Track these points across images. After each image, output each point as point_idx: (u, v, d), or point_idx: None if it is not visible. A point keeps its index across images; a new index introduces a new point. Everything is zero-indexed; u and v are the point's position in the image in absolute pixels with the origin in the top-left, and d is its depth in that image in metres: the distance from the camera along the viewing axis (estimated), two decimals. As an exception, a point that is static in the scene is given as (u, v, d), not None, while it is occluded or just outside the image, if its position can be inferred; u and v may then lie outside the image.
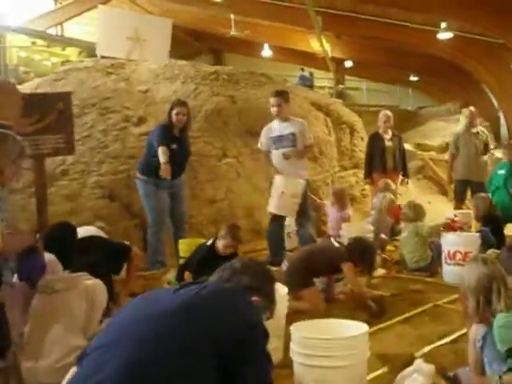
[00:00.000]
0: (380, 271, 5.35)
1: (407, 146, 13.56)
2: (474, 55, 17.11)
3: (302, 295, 4.14)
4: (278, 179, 5.70)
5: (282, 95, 5.92)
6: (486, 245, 5.25)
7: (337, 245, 4.43)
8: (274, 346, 2.84)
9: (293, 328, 2.63)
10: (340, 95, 19.83)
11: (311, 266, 4.23)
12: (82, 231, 4.64)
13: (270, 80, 8.83)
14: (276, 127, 5.94)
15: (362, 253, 4.26)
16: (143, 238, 6.46)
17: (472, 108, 8.38)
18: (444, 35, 15.67)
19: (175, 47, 20.17)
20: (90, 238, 4.46)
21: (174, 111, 5.78)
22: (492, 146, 8.21)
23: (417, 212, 5.65)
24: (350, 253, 4.25)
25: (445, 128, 15.98)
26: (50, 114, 5.07)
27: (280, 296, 3.31)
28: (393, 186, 7.31)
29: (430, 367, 2.60)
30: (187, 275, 4.60)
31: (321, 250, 4.49)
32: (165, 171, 5.46)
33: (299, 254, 4.45)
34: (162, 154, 5.51)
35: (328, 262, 4.29)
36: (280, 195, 5.61)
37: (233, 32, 18.20)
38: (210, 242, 4.82)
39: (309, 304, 4.11)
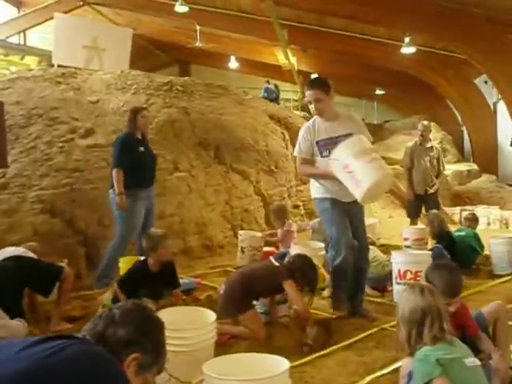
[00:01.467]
0: (329, 291, 5.13)
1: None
2: (437, 70, 17.26)
3: (241, 320, 3.89)
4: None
5: (321, 86, 4.22)
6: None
7: (276, 264, 4.20)
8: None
9: (204, 367, 2.37)
10: (306, 108, 19.78)
11: (249, 288, 3.97)
12: (8, 252, 4.34)
13: (227, 91, 8.63)
14: (321, 128, 4.33)
15: (303, 270, 4.03)
16: (86, 256, 6.17)
17: (425, 122, 8.26)
18: (408, 49, 15.75)
19: (141, 58, 19.96)
20: (14, 259, 4.16)
21: (140, 115, 5.68)
22: (443, 167, 8.07)
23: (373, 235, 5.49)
24: (291, 271, 4.02)
25: (409, 141, 16.04)
26: (-21, 124, 4.77)
27: (206, 324, 3.08)
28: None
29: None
30: (121, 297, 4.31)
31: (259, 270, 4.24)
32: (121, 203, 5.30)
33: (236, 276, 4.18)
34: (116, 182, 5.33)
35: (267, 282, 4.04)
36: None
37: (198, 43, 18.01)
38: (143, 258, 4.58)
39: (248, 329, 3.86)
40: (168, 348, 2.95)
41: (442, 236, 5.73)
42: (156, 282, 4.45)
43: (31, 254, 4.47)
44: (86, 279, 5.95)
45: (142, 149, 5.62)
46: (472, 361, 2.32)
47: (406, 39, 15.53)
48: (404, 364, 2.44)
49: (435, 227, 5.89)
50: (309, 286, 4.08)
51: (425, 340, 2.31)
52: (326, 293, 5.12)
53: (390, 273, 5.16)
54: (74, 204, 6.21)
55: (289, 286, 3.97)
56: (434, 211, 6.20)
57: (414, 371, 2.28)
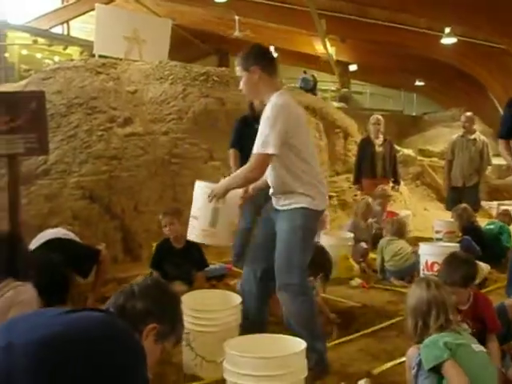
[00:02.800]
0: (357, 281, 5.22)
1: (409, 152, 13.43)
2: (478, 61, 16.91)
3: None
4: None
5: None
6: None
7: None
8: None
9: (226, 344, 2.51)
10: (344, 99, 19.70)
11: None
12: (49, 234, 4.56)
13: (262, 82, 8.72)
14: None
15: (314, 258, 4.05)
16: (122, 240, 6.39)
17: (468, 113, 8.19)
18: (448, 40, 15.50)
19: (181, 49, 20.21)
20: (55, 241, 4.38)
21: None
22: (490, 155, 7.86)
23: (397, 228, 5.52)
24: None
25: (448, 134, 15.83)
26: (23, 113, 4.97)
27: (232, 306, 3.22)
28: (390, 193, 7.21)
29: (373, 389, 2.47)
30: (154, 274, 4.57)
31: None
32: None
33: None
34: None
35: None
36: None
37: (236, 33, 18.10)
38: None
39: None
40: (195, 328, 3.14)
41: (470, 229, 5.72)
42: (180, 258, 4.64)
43: (72, 235, 4.67)
44: (121, 263, 6.18)
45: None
46: (478, 346, 2.39)
47: (447, 29, 15.31)
48: (410, 354, 2.53)
49: (463, 220, 5.88)
50: (323, 273, 4.13)
51: (431, 330, 2.40)
52: (354, 282, 5.22)
53: (414, 264, 5.21)
54: (111, 190, 6.44)
55: None
56: (463, 205, 6.18)
57: (422, 358, 2.36)
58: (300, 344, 2.47)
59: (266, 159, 3.04)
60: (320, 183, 3.22)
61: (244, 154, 4.87)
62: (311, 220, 3.16)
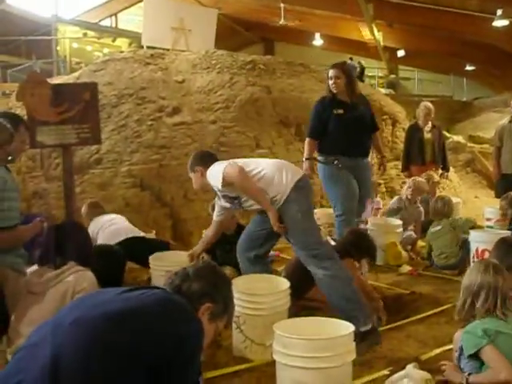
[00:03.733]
0: (406, 268, 5.19)
1: (459, 138, 13.14)
2: (533, 44, 16.32)
3: (311, 296, 4.04)
4: None
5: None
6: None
7: (333, 243, 4.28)
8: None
9: (275, 326, 2.57)
10: (391, 85, 19.39)
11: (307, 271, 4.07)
12: (124, 231, 4.85)
13: (308, 69, 8.71)
14: None
15: (356, 243, 4.05)
16: (172, 227, 6.54)
17: (522, 98, 7.94)
18: (500, 22, 15.02)
19: (226, 37, 20.30)
20: (134, 240, 4.68)
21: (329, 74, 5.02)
22: None
23: (448, 206, 5.43)
24: (346, 248, 4.03)
25: (499, 119, 15.41)
26: (76, 104, 5.13)
27: (281, 290, 3.28)
28: (436, 179, 7.09)
29: (421, 374, 2.49)
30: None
31: None
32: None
33: (294, 261, 4.26)
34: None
35: None
36: None
37: (282, 21, 18.05)
38: None
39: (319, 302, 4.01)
40: (245, 312, 3.22)
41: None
42: (230, 244, 4.71)
43: (142, 234, 4.98)
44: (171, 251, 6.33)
45: (340, 111, 4.97)
46: None
47: (499, 11, 14.83)
48: (456, 337, 2.57)
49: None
50: (368, 256, 4.12)
51: (476, 312, 2.41)
52: (402, 269, 5.20)
53: (462, 259, 5.13)
54: (161, 179, 6.58)
55: (347, 265, 3.87)
56: (511, 193, 6.02)
57: (463, 344, 2.39)
58: (348, 327, 2.50)
59: None
60: None
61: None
62: None
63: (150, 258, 4.21)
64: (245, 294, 3.21)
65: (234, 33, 22.17)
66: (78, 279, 2.81)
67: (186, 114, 7.33)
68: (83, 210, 5.34)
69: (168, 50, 9.71)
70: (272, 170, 3.48)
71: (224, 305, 2.10)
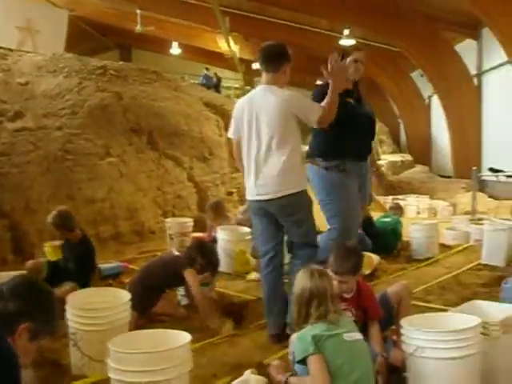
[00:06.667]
0: (254, 275, 5.26)
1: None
2: (376, 62, 17.64)
3: (155, 312, 3.96)
4: None
5: None
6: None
7: (177, 253, 4.26)
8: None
9: (109, 342, 2.44)
10: (247, 96, 19.88)
11: (149, 285, 3.97)
12: None
13: (161, 77, 8.62)
14: None
15: (202, 255, 4.05)
16: (12, 240, 6.08)
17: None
18: (347, 42, 16.04)
19: (81, 42, 19.53)
20: None
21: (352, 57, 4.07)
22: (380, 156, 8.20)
23: None
24: (191, 258, 4.03)
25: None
26: None
27: (119, 304, 3.15)
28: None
29: (258, 378, 2.51)
30: None
31: (158, 262, 4.29)
32: None
33: (136, 275, 4.19)
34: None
35: (167, 273, 4.03)
36: None
37: (139, 28, 17.76)
38: None
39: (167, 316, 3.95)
40: (82, 328, 3.05)
41: (365, 224, 5.87)
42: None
43: None
44: (12, 264, 5.86)
45: (351, 100, 4.03)
46: (352, 335, 2.49)
47: (346, 31, 15.86)
48: (291, 340, 2.62)
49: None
50: (210, 270, 4.12)
51: (311, 319, 2.47)
52: (250, 276, 5.26)
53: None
54: (0, 188, 6.10)
55: (188, 275, 3.94)
56: None
57: (294, 349, 2.46)
58: (185, 337, 2.45)
59: None
60: (248, 175, 3.52)
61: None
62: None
63: None
64: (81, 309, 3.05)
65: (89, 37, 21.41)
66: None
67: (29, 118, 6.87)
68: None
69: (11, 50, 9.08)
70: None
71: (44, 320, 1.96)
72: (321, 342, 2.37)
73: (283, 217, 3.52)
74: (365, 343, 2.57)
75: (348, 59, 4.03)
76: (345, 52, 4.10)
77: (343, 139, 3.89)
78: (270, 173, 3.43)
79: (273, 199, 3.43)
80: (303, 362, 2.37)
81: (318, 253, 3.59)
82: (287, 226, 3.56)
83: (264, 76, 3.58)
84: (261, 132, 3.47)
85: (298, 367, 2.46)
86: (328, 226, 4.11)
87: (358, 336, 2.51)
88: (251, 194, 3.56)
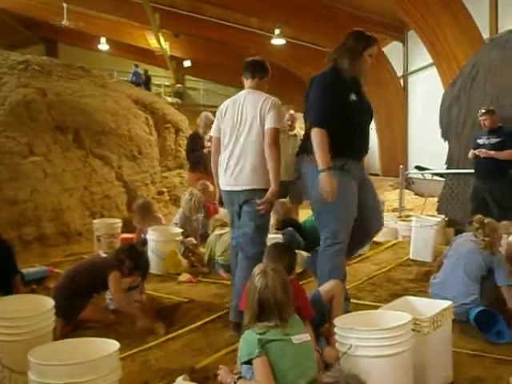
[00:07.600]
0: (185, 276, 5.17)
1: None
2: (308, 62, 17.83)
3: (83, 318, 3.80)
4: None
5: None
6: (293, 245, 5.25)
7: (104, 255, 4.13)
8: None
9: (30, 353, 2.29)
10: (178, 94, 19.66)
11: (74, 290, 3.82)
12: None
13: (88, 73, 8.33)
14: None
15: (131, 257, 3.95)
16: None
17: (292, 111, 8.54)
18: (278, 41, 16.16)
19: (4, 35, 18.68)
20: None
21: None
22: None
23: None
24: (120, 260, 3.92)
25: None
26: None
27: (42, 312, 2.99)
28: (211, 188, 7.19)
29: (190, 385, 2.43)
30: None
31: (85, 265, 4.14)
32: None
33: (60, 280, 4.00)
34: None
35: (94, 277, 3.90)
36: None
37: (65, 22, 17.17)
38: None
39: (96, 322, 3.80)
40: (1, 338, 2.85)
41: (290, 223, 5.85)
42: None
43: None
44: None
45: (353, 97, 3.68)
46: (299, 338, 2.45)
47: (277, 31, 15.94)
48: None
49: (280, 215, 6.02)
50: (139, 273, 4.03)
51: (259, 320, 2.42)
52: (182, 277, 5.16)
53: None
54: None
55: (111, 279, 3.85)
56: (281, 200, 6.27)
57: (239, 351, 2.41)
58: (113, 345, 2.33)
59: None
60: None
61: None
62: None
63: None
64: (1, 318, 2.85)
65: (12, 30, 20.51)
66: None
67: None
68: None
69: None
70: None
71: None
72: (266, 344, 2.33)
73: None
74: (311, 344, 2.56)
75: (365, 53, 3.64)
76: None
77: (347, 138, 3.60)
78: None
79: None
80: (249, 362, 2.33)
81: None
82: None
83: (249, 82, 3.89)
84: (243, 127, 3.76)
85: (243, 367, 2.41)
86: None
87: (305, 338, 2.49)
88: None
